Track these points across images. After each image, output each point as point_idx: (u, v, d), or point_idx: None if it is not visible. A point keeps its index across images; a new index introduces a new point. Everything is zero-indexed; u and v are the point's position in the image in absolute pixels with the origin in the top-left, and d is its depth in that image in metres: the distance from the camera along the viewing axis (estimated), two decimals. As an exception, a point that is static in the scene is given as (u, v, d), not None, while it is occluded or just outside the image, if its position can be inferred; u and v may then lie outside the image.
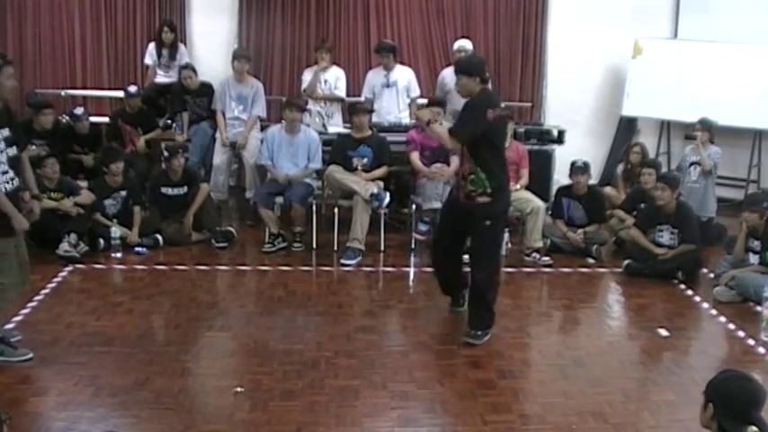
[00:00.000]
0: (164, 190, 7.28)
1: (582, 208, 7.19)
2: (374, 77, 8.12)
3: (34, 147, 7.24)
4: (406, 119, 8.03)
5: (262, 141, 7.44)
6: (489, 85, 5.22)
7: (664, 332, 5.37)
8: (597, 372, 4.79)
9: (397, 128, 7.76)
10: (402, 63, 8.29)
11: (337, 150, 7.20)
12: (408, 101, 8.13)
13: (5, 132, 4.53)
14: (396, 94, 8.08)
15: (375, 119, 7.93)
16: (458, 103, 7.89)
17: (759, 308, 5.54)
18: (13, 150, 4.58)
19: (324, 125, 7.85)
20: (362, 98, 8.15)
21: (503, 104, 8.61)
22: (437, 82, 8.21)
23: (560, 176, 7.73)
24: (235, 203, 8.40)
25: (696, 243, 6.56)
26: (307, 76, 8.16)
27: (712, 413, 2.89)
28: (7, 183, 4.51)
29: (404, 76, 8.12)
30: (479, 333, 5.13)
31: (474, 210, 5.06)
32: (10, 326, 5.10)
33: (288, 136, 7.23)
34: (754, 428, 2.81)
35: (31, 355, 4.72)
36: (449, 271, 5.56)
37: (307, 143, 7.23)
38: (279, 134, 7.26)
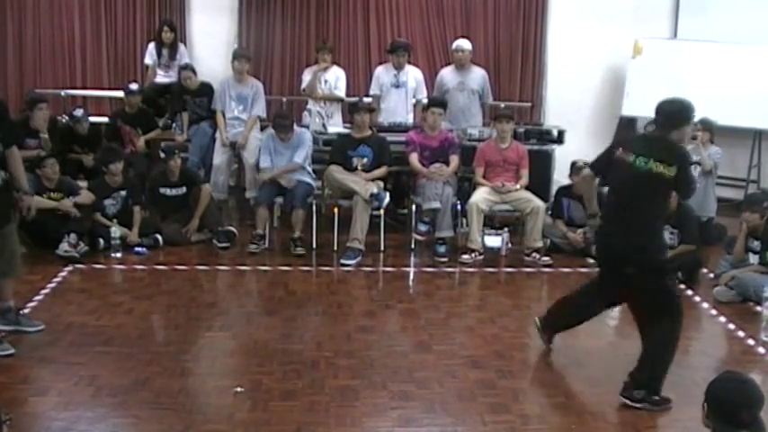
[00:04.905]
0: (162, 190, 7.27)
1: (582, 208, 7.18)
2: (384, 75, 8.05)
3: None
4: (410, 120, 8.01)
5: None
6: (666, 133, 4.43)
7: (664, 332, 5.36)
8: (597, 372, 4.79)
9: (397, 128, 7.75)
10: (409, 63, 8.22)
11: (337, 150, 7.19)
12: (414, 101, 8.10)
13: None
14: (404, 96, 8.03)
15: (380, 118, 7.91)
16: (456, 102, 7.95)
17: (759, 308, 5.53)
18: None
19: (324, 125, 7.84)
20: (370, 93, 8.12)
21: (502, 104, 8.74)
22: (435, 82, 8.20)
23: (560, 176, 7.72)
24: (235, 203, 8.39)
25: (696, 243, 6.55)
26: (306, 76, 8.15)
27: (706, 414, 2.91)
28: None
29: (413, 77, 8.07)
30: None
31: None
32: (26, 310, 5.30)
33: (282, 141, 7.24)
34: None
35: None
36: None
37: (298, 144, 7.22)
38: (274, 140, 7.25)
